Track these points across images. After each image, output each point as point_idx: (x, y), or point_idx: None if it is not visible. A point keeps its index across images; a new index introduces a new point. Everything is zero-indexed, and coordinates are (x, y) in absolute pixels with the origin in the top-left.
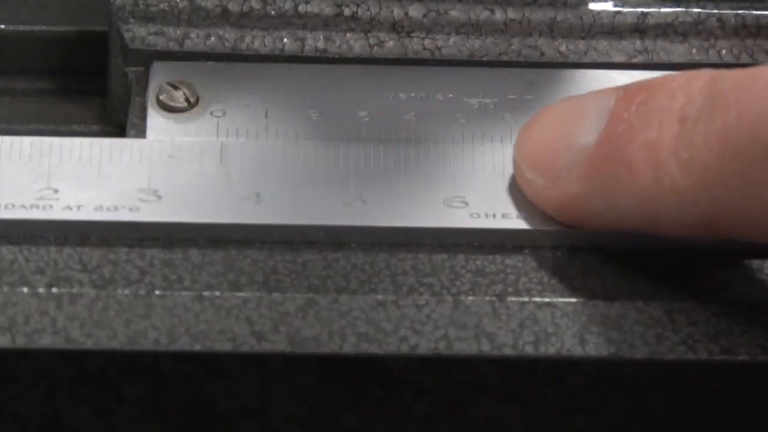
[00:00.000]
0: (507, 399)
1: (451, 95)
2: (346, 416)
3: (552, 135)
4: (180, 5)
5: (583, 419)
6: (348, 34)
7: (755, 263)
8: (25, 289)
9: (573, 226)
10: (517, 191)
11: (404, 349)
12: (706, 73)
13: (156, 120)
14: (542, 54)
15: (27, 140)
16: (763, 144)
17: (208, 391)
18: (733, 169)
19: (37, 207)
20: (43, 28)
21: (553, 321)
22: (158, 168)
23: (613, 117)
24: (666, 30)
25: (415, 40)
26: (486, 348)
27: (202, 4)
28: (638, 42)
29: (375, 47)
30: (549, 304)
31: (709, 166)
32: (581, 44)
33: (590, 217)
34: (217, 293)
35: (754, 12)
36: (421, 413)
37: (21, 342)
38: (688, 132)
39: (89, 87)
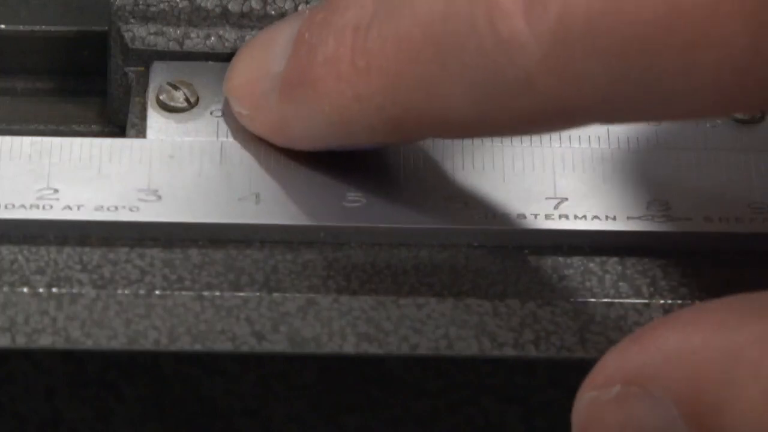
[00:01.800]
0: (507, 400)
1: None
2: (346, 416)
3: (250, 65)
4: (180, 5)
5: None
6: None
7: (754, 263)
8: (25, 289)
9: (289, 147)
10: (518, 191)
11: (405, 348)
12: None
13: (156, 120)
14: None
15: (27, 140)
16: (435, 41)
17: (208, 391)
18: (410, 70)
19: (37, 207)
20: (43, 28)
21: (554, 320)
22: (158, 168)
23: (298, 41)
24: None
25: None
26: (486, 348)
27: (202, 4)
28: None
29: None
30: (549, 303)
31: (386, 70)
32: None
33: (297, 139)
34: (218, 293)
35: None
36: (421, 413)
37: (21, 342)
38: (362, 40)
39: (89, 87)
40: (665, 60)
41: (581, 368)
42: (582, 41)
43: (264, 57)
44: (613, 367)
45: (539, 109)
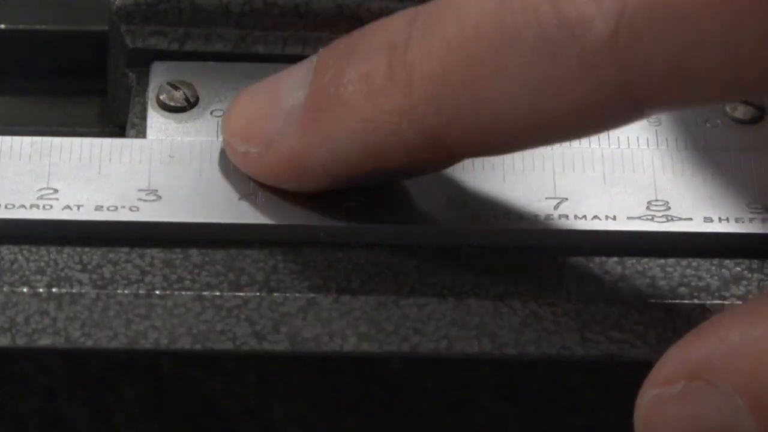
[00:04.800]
0: (507, 400)
1: None
2: (347, 416)
3: (258, 105)
4: (180, 5)
5: (582, 420)
6: None
7: (757, 263)
8: (26, 289)
9: (297, 188)
10: (518, 191)
11: (405, 348)
12: (407, 11)
13: (156, 120)
14: None
15: (27, 140)
16: (489, 38)
17: (208, 391)
18: (460, 73)
19: (37, 207)
20: (44, 27)
21: (554, 320)
22: (158, 168)
23: (320, 67)
24: None
25: None
26: (487, 348)
27: (203, 4)
28: None
29: None
30: (550, 303)
31: (432, 77)
32: None
33: (313, 169)
34: (218, 293)
35: None
36: (421, 413)
37: (21, 342)
38: (400, 55)
39: (89, 87)
40: (744, 30)
41: (581, 368)
42: (652, 15)
43: (272, 95)
44: (676, 362)
45: (602, 97)
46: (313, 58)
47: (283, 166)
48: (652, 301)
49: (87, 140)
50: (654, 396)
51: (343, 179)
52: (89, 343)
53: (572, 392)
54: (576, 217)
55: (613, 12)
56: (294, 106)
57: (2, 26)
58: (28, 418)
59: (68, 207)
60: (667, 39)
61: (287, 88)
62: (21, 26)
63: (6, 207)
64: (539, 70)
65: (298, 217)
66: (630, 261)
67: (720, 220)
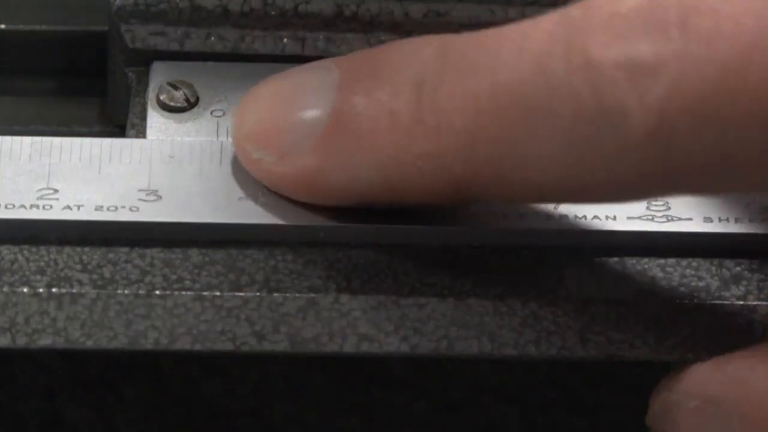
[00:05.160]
0: (507, 399)
1: None
2: (347, 416)
3: (274, 111)
4: (180, 5)
5: (583, 420)
6: (348, 35)
7: (756, 264)
8: (26, 289)
9: (310, 201)
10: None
11: (405, 349)
12: (434, 38)
13: (156, 120)
14: None
15: (27, 140)
16: (523, 104)
17: (208, 392)
18: (489, 131)
19: (37, 207)
20: (43, 27)
21: (555, 320)
22: (158, 168)
23: (343, 89)
24: None
25: None
26: (487, 348)
27: (203, 3)
28: None
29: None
30: (550, 303)
31: (462, 129)
32: None
33: (330, 191)
34: (218, 293)
35: None
36: (421, 413)
37: (21, 342)
38: (429, 96)
39: (89, 87)
40: None
41: (581, 369)
42: (696, 114)
43: (288, 103)
44: (698, 382)
45: (634, 180)
46: (332, 68)
47: (297, 181)
48: (652, 301)
49: (87, 140)
50: (674, 400)
51: (357, 202)
52: (89, 343)
53: (572, 393)
54: (576, 217)
55: (656, 109)
56: (313, 124)
57: (2, 26)
58: (28, 418)
59: (68, 207)
60: (709, 140)
61: (304, 99)
62: (21, 26)
63: (6, 207)
64: (573, 146)
65: (298, 217)
66: (630, 261)
67: (720, 220)
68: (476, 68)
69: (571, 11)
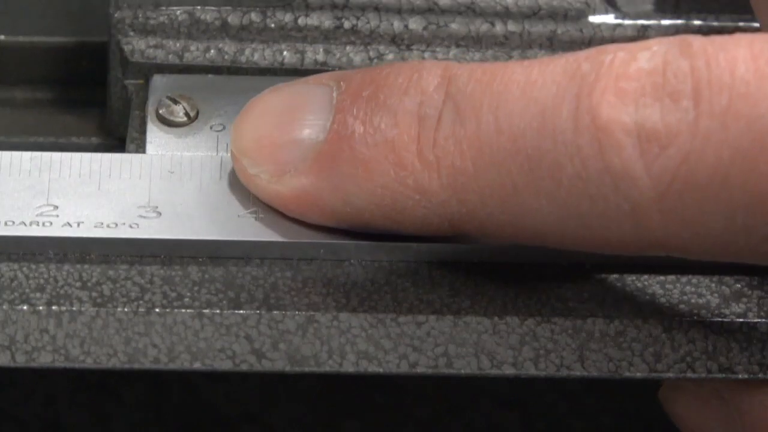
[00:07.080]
0: (507, 404)
1: None
2: (347, 421)
3: (271, 128)
4: (180, 18)
5: (583, 425)
6: (348, 47)
7: (755, 282)
8: (25, 307)
9: (305, 220)
10: None
11: (404, 366)
12: (437, 68)
13: (156, 134)
14: None
15: (26, 155)
16: (526, 154)
17: (208, 396)
18: (488, 176)
19: (37, 224)
20: (43, 38)
21: (553, 338)
22: (158, 183)
23: (341, 113)
24: None
25: (415, 52)
26: (485, 366)
27: (202, 16)
28: None
29: (375, 60)
30: (548, 320)
31: (461, 171)
32: None
33: (324, 213)
34: (217, 311)
35: (755, 24)
36: (422, 418)
37: (21, 360)
38: (431, 133)
39: (89, 98)
40: None
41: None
42: (704, 190)
43: (286, 120)
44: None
45: (634, 240)
46: (332, 86)
47: (291, 201)
48: (651, 318)
49: (87, 155)
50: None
51: (351, 226)
52: (89, 361)
53: (571, 396)
54: None
55: (663, 179)
56: (309, 145)
57: (2, 37)
58: (29, 422)
59: (68, 224)
60: (714, 218)
61: (302, 116)
62: (21, 37)
63: (5, 224)
64: (573, 203)
65: (297, 234)
66: (629, 278)
67: None
68: (480, 111)
69: (582, 64)
